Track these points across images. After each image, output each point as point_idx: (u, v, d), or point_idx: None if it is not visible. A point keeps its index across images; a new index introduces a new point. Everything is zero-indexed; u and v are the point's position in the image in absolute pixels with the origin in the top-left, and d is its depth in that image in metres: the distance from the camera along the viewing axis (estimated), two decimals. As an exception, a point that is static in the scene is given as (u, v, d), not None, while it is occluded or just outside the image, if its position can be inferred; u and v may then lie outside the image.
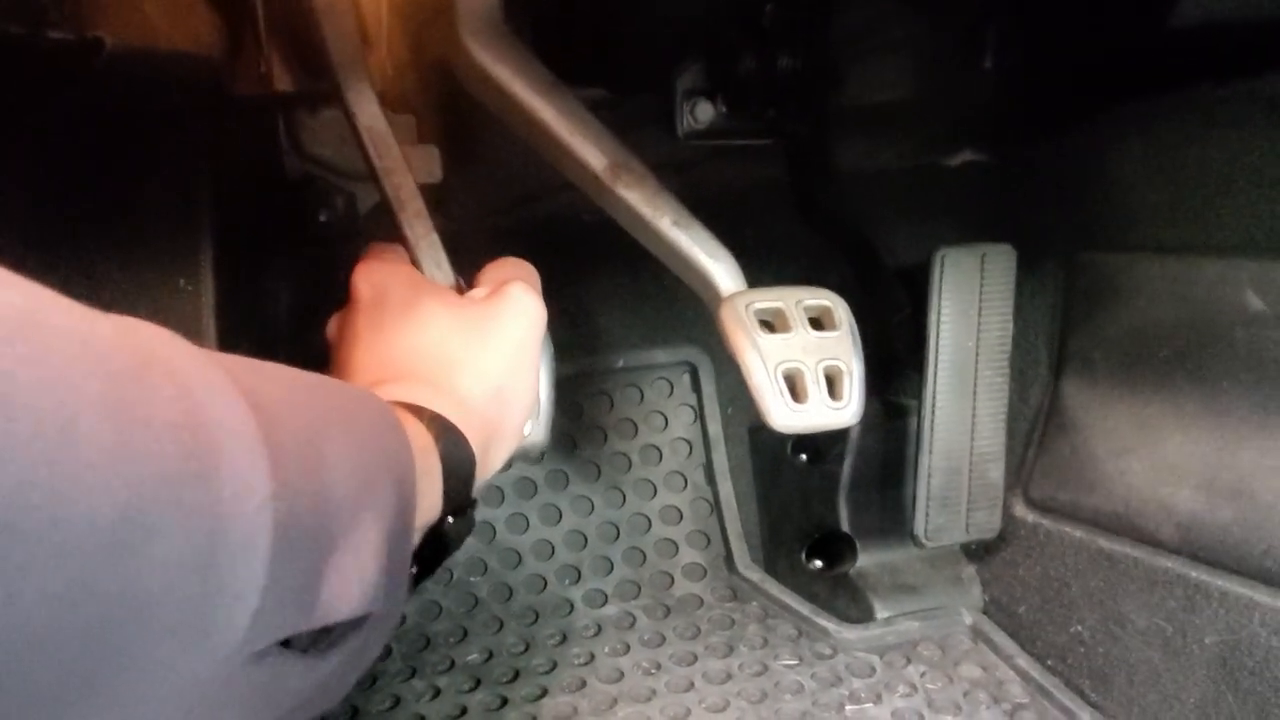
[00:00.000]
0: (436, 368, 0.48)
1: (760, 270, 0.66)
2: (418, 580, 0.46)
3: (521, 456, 0.74)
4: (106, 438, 0.21)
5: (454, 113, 0.89)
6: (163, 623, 0.24)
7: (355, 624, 0.34)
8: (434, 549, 0.45)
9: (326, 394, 0.36)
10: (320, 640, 0.33)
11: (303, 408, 0.32)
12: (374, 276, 0.55)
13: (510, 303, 0.53)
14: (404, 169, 0.69)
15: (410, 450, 0.39)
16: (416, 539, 0.43)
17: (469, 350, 0.50)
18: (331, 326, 0.58)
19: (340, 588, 0.31)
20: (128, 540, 0.22)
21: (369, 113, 0.71)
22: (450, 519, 0.45)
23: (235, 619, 0.26)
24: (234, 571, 0.25)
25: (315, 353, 0.87)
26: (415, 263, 0.66)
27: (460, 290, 0.66)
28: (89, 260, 0.67)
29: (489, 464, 0.49)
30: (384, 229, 0.70)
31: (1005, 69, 0.86)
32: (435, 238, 0.66)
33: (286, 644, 0.31)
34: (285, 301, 0.88)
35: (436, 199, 0.91)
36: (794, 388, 0.57)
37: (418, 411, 0.43)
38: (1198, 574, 0.68)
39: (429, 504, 0.42)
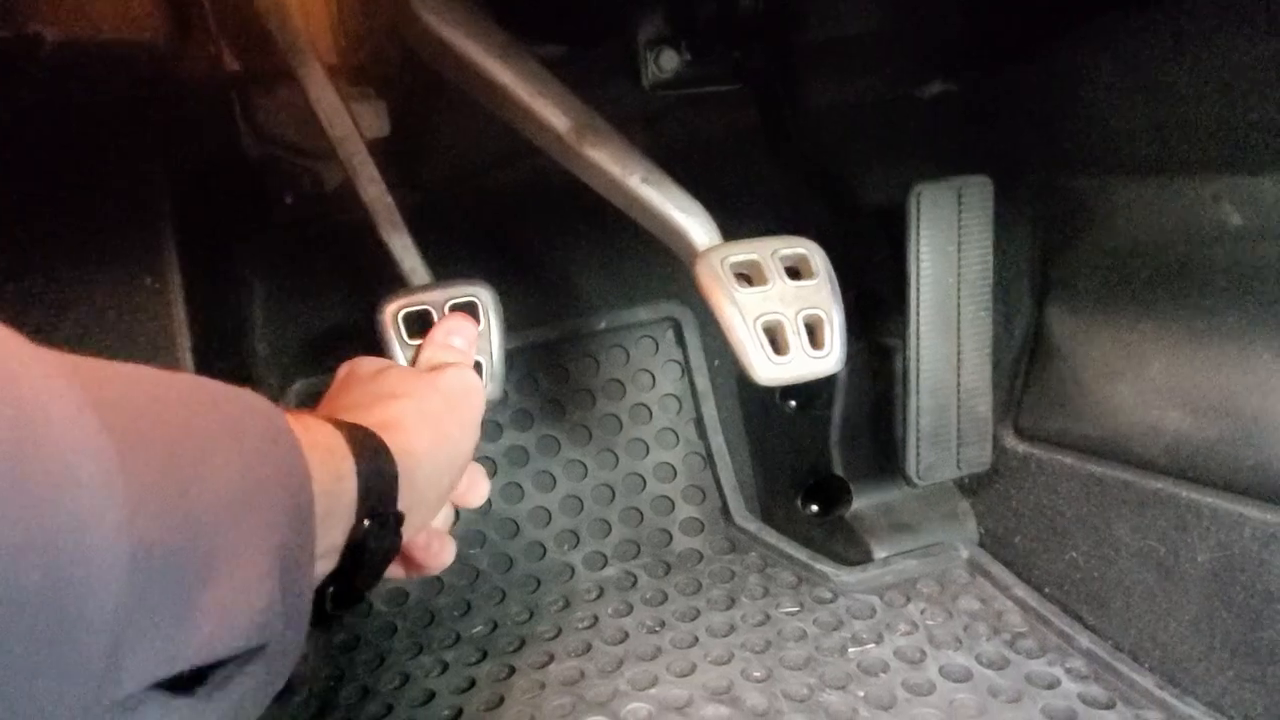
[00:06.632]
0: (377, 400, 0.50)
1: (737, 217, 0.64)
2: (340, 604, 0.42)
3: None
4: None
5: (414, 80, 0.87)
6: (17, 660, 0.22)
7: (250, 656, 0.30)
8: (354, 563, 0.42)
9: (201, 403, 0.31)
10: (207, 679, 0.29)
11: (172, 420, 0.29)
12: (351, 364, 0.58)
13: (454, 378, 0.56)
14: (355, 136, 0.71)
15: (303, 459, 0.34)
16: (333, 558, 0.41)
17: (414, 394, 0.52)
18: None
19: (222, 619, 0.28)
20: None
21: (317, 82, 0.71)
22: (367, 523, 0.41)
23: (88, 658, 0.23)
24: (80, 604, 0.23)
25: (291, 339, 0.87)
26: (373, 229, 0.69)
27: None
28: (51, 265, 0.66)
29: (419, 483, 0.47)
30: (355, 208, 0.70)
31: (971, -7, 0.84)
32: (390, 200, 0.69)
33: (172, 687, 0.28)
34: (258, 289, 0.86)
35: (404, 168, 0.90)
36: (775, 340, 0.57)
37: (333, 421, 0.41)
38: (1188, 493, 0.68)
39: (341, 511, 0.39)
